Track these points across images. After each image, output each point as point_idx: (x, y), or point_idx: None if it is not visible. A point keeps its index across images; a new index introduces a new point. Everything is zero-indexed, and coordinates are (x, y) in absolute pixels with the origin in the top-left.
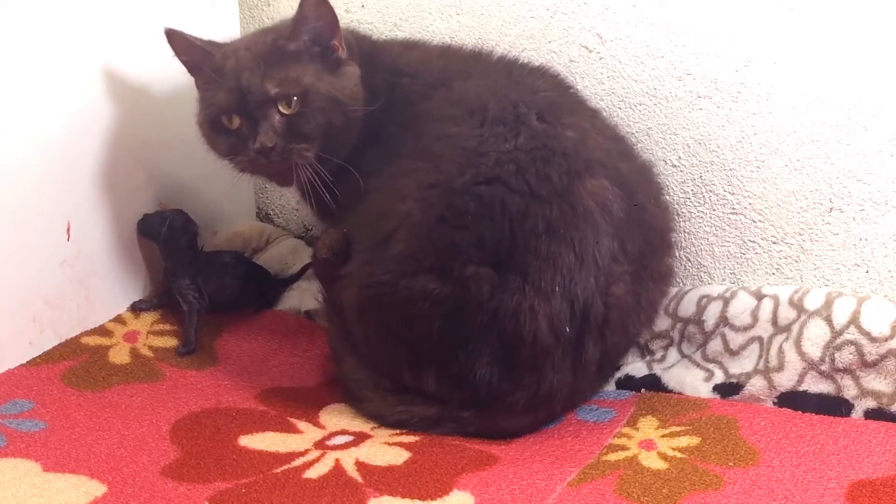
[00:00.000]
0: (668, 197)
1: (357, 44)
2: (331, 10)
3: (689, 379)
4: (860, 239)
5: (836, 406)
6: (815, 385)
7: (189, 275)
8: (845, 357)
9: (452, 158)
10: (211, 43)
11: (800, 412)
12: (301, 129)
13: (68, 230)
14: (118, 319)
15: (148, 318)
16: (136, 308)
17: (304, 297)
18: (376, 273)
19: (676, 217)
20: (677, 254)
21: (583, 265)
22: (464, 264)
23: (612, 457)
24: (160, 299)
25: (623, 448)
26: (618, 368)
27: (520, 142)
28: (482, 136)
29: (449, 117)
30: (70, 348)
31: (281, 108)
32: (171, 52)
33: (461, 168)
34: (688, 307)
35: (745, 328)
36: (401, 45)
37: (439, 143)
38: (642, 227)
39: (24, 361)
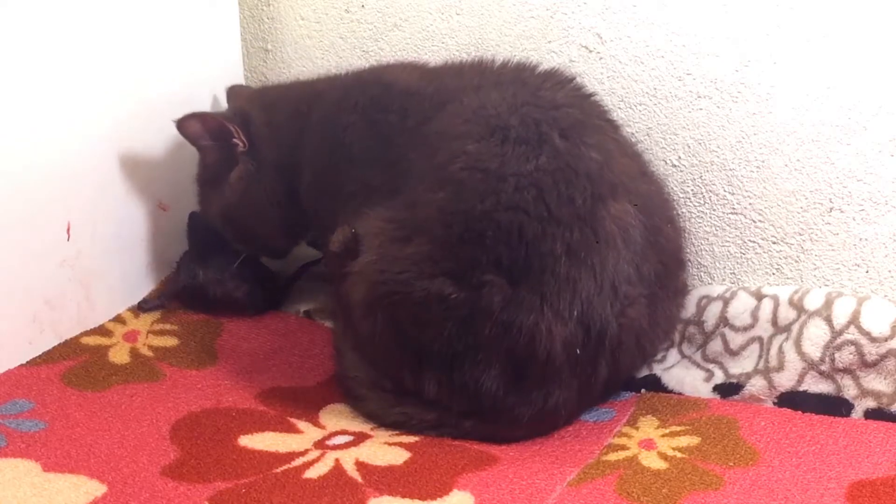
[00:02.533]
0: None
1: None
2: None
3: (689, 379)
4: (860, 239)
5: (836, 406)
6: (815, 385)
7: (190, 270)
8: (845, 357)
9: (473, 184)
10: None
11: (800, 412)
12: None
13: (68, 230)
14: (118, 319)
15: (148, 318)
16: (141, 308)
17: (304, 297)
18: (391, 270)
19: (687, 235)
20: (689, 268)
21: (601, 291)
22: (482, 273)
23: (612, 457)
24: (167, 299)
25: (623, 448)
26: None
27: (542, 161)
28: (503, 155)
29: (465, 135)
30: (70, 348)
31: None
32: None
33: (482, 195)
34: (688, 308)
35: (745, 328)
36: (378, 85)
37: (457, 162)
38: (657, 251)
39: (24, 361)
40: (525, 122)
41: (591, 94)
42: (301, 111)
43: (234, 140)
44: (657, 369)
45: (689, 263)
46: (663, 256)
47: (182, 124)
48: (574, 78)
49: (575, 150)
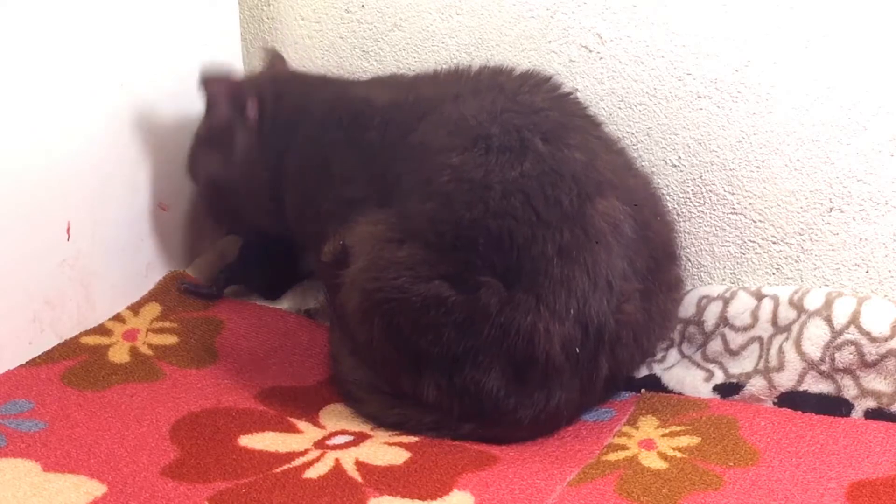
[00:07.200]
0: (667, 199)
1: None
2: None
3: (689, 379)
4: (860, 239)
5: (836, 406)
6: (815, 385)
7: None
8: (845, 357)
9: (460, 194)
10: None
11: (800, 412)
12: None
13: (68, 230)
14: (117, 318)
15: (147, 316)
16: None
17: (305, 296)
18: (385, 276)
19: (677, 228)
20: (682, 262)
21: (596, 287)
22: (478, 274)
23: (612, 456)
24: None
25: (623, 448)
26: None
27: (526, 167)
28: (488, 164)
29: (449, 147)
30: (70, 348)
31: None
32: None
33: (469, 204)
34: (688, 308)
35: (745, 328)
36: (361, 101)
37: (443, 176)
38: (648, 244)
39: (24, 361)
40: (506, 129)
41: (568, 93)
42: (293, 122)
43: (247, 112)
44: (657, 369)
45: (682, 258)
46: (653, 250)
47: (206, 82)
48: (551, 77)
49: (558, 154)
